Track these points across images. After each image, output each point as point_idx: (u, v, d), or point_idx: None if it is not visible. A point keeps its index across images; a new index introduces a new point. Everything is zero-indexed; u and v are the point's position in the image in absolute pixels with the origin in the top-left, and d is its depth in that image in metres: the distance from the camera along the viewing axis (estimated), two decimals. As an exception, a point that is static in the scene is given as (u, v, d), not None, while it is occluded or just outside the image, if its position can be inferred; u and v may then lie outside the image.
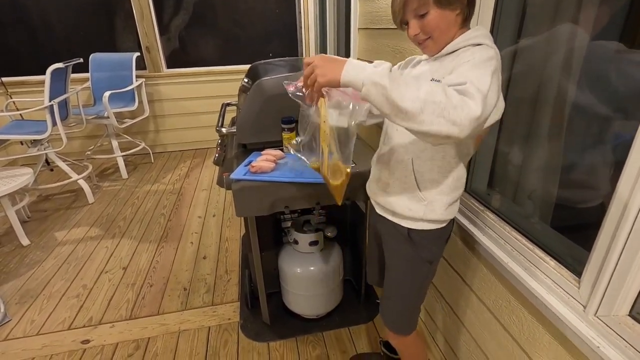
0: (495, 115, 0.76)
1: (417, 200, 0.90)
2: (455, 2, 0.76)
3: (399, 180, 0.91)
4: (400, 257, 1.00)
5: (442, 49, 0.81)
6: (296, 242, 1.49)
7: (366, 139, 1.71)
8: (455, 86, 0.65)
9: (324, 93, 0.78)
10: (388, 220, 0.97)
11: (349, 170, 0.90)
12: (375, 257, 1.16)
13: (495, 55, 0.73)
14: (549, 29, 0.95)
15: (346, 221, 1.70)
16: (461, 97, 0.62)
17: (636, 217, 0.65)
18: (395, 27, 0.85)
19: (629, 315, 0.72)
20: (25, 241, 2.26)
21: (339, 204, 0.99)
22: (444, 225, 0.94)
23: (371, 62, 0.70)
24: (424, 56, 0.90)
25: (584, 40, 0.87)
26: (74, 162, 3.03)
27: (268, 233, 1.56)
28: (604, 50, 0.85)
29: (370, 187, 1.04)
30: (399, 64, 1.00)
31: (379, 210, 1.01)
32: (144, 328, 1.64)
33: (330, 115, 0.80)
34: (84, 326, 1.66)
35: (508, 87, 1.08)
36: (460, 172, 0.89)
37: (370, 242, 1.17)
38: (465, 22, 0.80)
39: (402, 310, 1.07)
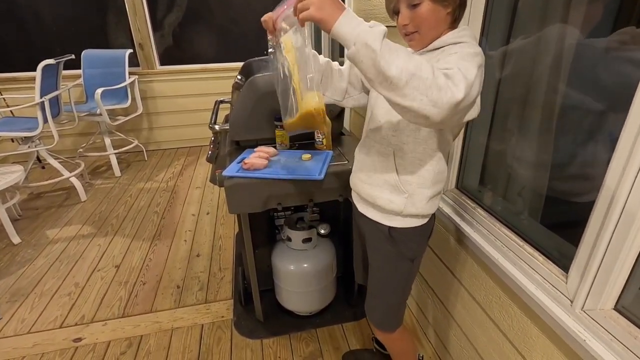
0: (473, 112, 0.77)
1: (399, 193, 0.90)
2: None
3: (381, 173, 0.91)
4: (382, 256, 1.01)
5: (428, 45, 0.81)
6: (289, 239, 1.49)
7: (358, 134, 1.72)
8: (443, 70, 0.65)
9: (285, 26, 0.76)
10: (369, 219, 0.98)
11: (317, 97, 0.84)
12: (360, 255, 1.17)
13: (481, 53, 0.73)
14: (538, 29, 0.96)
15: (339, 218, 1.70)
16: (447, 80, 0.63)
17: (621, 212, 0.67)
18: (389, 19, 0.84)
19: (614, 309, 0.74)
20: (16, 239, 2.23)
21: (323, 130, 0.94)
22: (424, 221, 0.94)
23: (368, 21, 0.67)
24: (409, 49, 0.89)
25: (572, 39, 0.88)
26: (66, 159, 3.00)
27: (261, 230, 1.56)
28: (592, 48, 0.86)
29: (353, 179, 1.03)
30: None
31: (360, 208, 1.01)
32: (137, 326, 1.64)
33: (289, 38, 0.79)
34: (75, 324, 1.65)
35: (499, 86, 1.09)
36: (442, 165, 0.90)
37: (355, 240, 1.17)
38: (454, 23, 0.81)
39: (386, 308, 1.08)
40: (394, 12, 0.82)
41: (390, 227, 0.94)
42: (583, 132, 0.92)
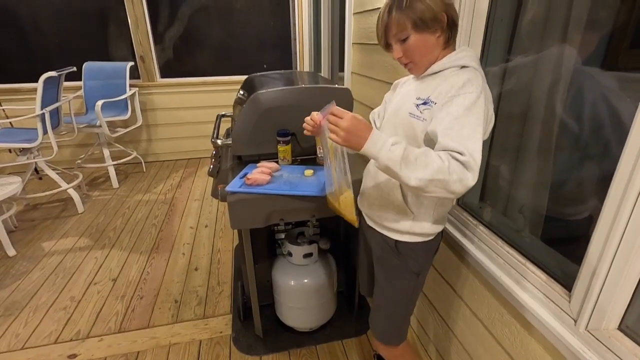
0: (489, 127, 0.83)
1: (404, 214, 0.92)
2: (433, 25, 0.79)
3: (386, 194, 0.94)
4: (388, 269, 1.02)
5: (426, 68, 0.85)
6: (290, 254, 1.49)
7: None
8: (455, 153, 0.72)
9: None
10: (376, 231, 1.00)
11: (345, 194, 0.98)
12: (366, 267, 1.18)
13: (481, 92, 0.76)
14: (537, 51, 0.99)
15: (339, 233, 1.70)
16: (462, 171, 0.70)
17: (624, 231, 0.68)
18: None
19: (618, 329, 0.74)
20: (11, 252, 2.21)
21: (355, 225, 1.04)
22: (431, 238, 0.96)
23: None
24: (407, 77, 0.96)
25: (571, 62, 0.90)
26: (63, 170, 2.99)
27: (262, 245, 1.56)
28: (590, 73, 0.89)
29: (361, 199, 1.07)
30: (388, 93, 1.05)
31: (368, 222, 1.04)
32: (134, 342, 1.61)
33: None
34: (71, 340, 1.62)
35: (499, 104, 1.11)
36: None
37: (361, 251, 1.19)
38: (448, 43, 0.84)
39: (390, 321, 1.09)
40: (387, 46, 0.87)
41: (397, 241, 0.96)
42: (582, 151, 0.94)
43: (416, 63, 0.85)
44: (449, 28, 0.81)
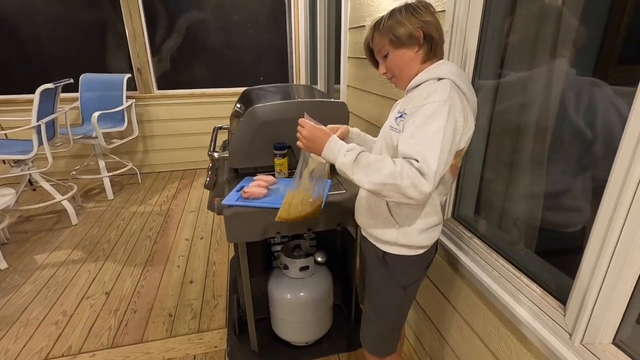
0: (465, 137, 0.85)
1: (391, 225, 0.94)
2: (409, 41, 0.85)
3: (374, 204, 0.97)
4: (376, 279, 1.04)
5: (409, 83, 0.90)
6: (286, 267, 1.48)
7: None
8: (410, 160, 0.74)
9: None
10: (369, 242, 1.02)
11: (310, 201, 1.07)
12: (364, 278, 1.18)
13: (445, 100, 0.78)
14: (529, 66, 1.02)
15: (336, 246, 1.70)
16: (416, 177, 0.72)
17: (616, 245, 0.69)
18: None
19: (612, 343, 0.75)
20: (2, 264, 2.17)
21: (278, 219, 1.10)
22: (420, 252, 0.97)
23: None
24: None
25: (561, 77, 0.93)
26: (58, 182, 2.97)
27: (258, 257, 1.55)
28: (582, 85, 0.91)
29: (356, 211, 1.09)
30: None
31: (362, 232, 1.07)
32: (126, 357, 1.58)
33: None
34: (62, 355, 1.59)
35: (491, 119, 1.13)
36: (434, 198, 0.93)
37: (360, 262, 1.20)
38: (428, 56, 0.88)
39: (377, 332, 1.10)
40: (374, 64, 0.96)
41: (385, 252, 0.97)
42: (575, 164, 0.96)
43: (397, 77, 0.91)
44: (428, 43, 0.86)
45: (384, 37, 0.87)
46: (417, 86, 0.88)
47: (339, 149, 0.83)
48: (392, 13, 0.85)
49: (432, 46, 0.87)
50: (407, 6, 0.85)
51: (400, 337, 1.20)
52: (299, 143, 0.91)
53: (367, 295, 1.09)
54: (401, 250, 0.96)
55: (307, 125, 0.89)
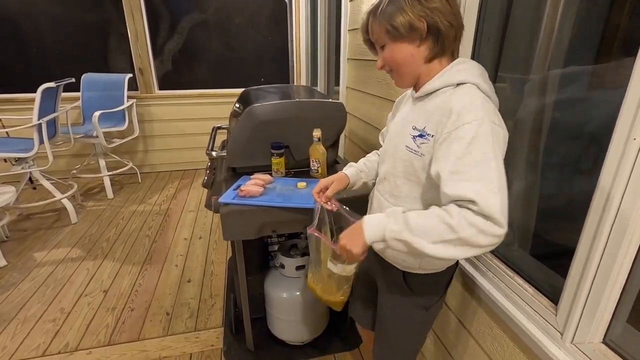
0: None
1: (413, 255, 0.84)
2: (410, 33, 0.71)
3: None
4: (395, 302, 0.95)
5: (410, 83, 0.80)
6: (283, 266, 1.49)
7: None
8: (464, 203, 0.62)
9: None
10: (384, 260, 0.92)
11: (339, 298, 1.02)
12: (359, 291, 1.11)
13: (483, 116, 0.65)
14: (525, 69, 1.02)
15: (333, 245, 1.71)
16: (481, 222, 0.60)
17: (605, 245, 0.69)
18: None
19: (602, 342, 0.75)
20: (2, 262, 2.18)
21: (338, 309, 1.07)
22: (442, 269, 0.90)
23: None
24: (409, 92, 0.92)
25: (556, 80, 0.93)
26: (58, 180, 2.99)
27: (255, 256, 1.56)
28: (576, 85, 0.91)
29: None
30: (390, 113, 1.02)
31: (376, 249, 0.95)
32: (123, 355, 1.59)
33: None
34: (59, 352, 1.59)
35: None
36: None
37: (360, 275, 1.07)
38: (433, 53, 0.74)
39: (397, 357, 1.01)
40: (375, 53, 0.83)
41: (405, 272, 0.89)
42: (568, 167, 0.96)
43: (397, 73, 0.79)
44: (433, 36, 0.71)
45: (381, 26, 0.73)
46: (430, 94, 0.75)
47: (378, 221, 0.71)
48: None
49: (438, 41, 0.72)
50: None
51: None
52: (347, 252, 0.76)
53: (383, 317, 0.99)
54: (423, 271, 0.89)
55: (341, 238, 0.78)
